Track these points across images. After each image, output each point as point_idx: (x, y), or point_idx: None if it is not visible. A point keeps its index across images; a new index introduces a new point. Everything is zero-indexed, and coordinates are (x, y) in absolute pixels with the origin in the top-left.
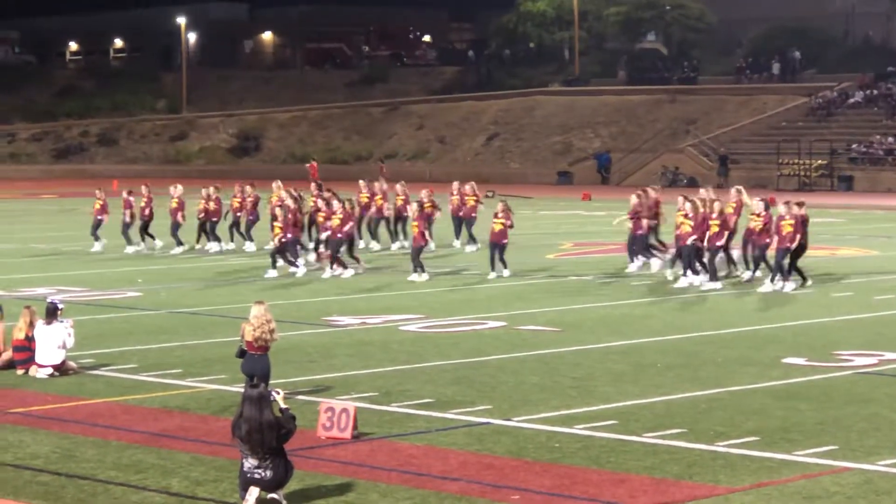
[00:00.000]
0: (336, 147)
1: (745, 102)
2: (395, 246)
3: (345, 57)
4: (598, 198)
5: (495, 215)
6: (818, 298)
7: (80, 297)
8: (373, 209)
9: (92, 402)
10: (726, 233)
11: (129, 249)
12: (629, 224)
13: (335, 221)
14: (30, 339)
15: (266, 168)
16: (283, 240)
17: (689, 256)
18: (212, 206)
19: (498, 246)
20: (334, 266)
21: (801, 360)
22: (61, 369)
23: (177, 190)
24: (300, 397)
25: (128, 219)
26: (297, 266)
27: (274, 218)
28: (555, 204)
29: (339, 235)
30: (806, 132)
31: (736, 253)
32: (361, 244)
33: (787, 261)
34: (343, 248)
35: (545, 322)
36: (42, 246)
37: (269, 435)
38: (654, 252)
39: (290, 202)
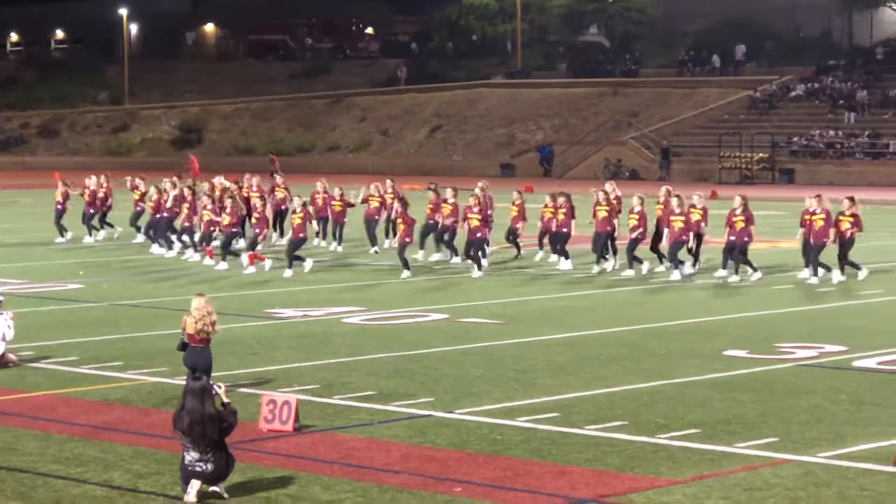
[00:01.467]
0: (279, 139)
1: (688, 95)
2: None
3: (287, 49)
4: (541, 190)
5: (468, 209)
6: (760, 291)
7: (20, 289)
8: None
9: (32, 394)
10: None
11: (89, 239)
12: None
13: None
14: None
15: (208, 160)
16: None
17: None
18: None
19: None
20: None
21: (743, 353)
22: (1, 362)
23: (91, 181)
24: (242, 390)
25: (92, 210)
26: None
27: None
28: (497, 196)
29: (256, 231)
30: (748, 125)
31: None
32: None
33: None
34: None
35: (487, 314)
36: None
37: (210, 428)
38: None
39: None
